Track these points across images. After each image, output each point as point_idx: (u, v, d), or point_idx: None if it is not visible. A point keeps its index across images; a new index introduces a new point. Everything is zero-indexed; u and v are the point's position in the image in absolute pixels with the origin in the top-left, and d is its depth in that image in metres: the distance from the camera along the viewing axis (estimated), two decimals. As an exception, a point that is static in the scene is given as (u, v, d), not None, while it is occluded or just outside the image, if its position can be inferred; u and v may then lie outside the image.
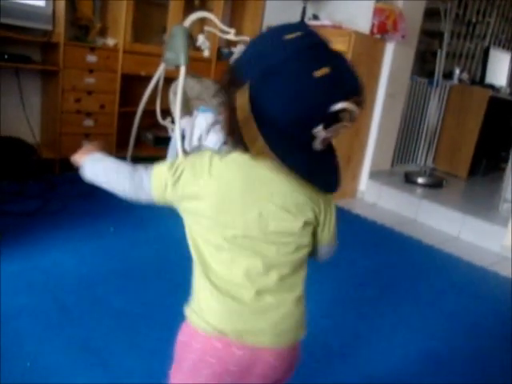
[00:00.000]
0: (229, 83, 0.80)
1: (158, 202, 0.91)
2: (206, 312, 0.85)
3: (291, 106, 0.74)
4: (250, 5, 4.08)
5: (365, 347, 1.79)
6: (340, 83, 0.75)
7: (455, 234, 3.20)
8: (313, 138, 0.76)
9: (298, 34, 0.76)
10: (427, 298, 2.27)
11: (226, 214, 0.82)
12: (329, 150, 0.84)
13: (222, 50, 3.78)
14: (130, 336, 1.65)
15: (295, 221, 0.83)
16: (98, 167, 1.01)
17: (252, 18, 4.03)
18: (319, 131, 0.75)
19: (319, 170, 0.82)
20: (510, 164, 3.55)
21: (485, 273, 2.67)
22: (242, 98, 0.75)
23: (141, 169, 0.93)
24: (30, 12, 2.95)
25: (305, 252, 0.88)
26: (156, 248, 2.33)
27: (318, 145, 0.78)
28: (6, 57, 2.93)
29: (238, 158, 0.82)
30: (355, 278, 2.35)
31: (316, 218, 0.87)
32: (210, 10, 3.72)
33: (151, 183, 0.90)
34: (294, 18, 3.85)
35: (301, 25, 0.84)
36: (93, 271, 2.03)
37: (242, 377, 0.87)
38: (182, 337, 0.91)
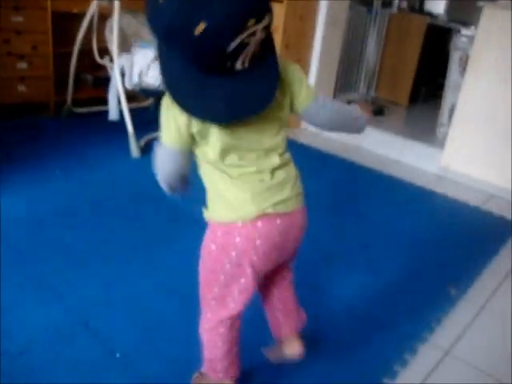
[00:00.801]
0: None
1: (189, 146, 1.00)
2: (242, 204, 1.01)
3: (190, 61, 0.86)
4: None
5: (310, 264, 1.90)
6: (225, 23, 0.80)
7: (396, 158, 3.35)
8: (229, 67, 0.86)
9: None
10: (371, 216, 2.41)
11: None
12: (261, 59, 0.90)
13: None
14: (82, 270, 1.69)
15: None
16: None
17: None
18: (231, 64, 0.85)
19: (244, 94, 0.91)
20: (445, 90, 3.69)
21: (423, 192, 2.83)
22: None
23: (158, 154, 1.03)
24: None
25: (284, 127, 1.08)
26: (102, 188, 2.34)
27: (239, 66, 0.86)
28: None
29: None
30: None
31: (286, 95, 1.03)
32: None
33: (170, 148, 1.00)
34: None
35: None
36: (42, 212, 2.04)
37: (282, 246, 1.07)
38: (218, 241, 1.04)
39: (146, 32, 3.15)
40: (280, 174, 1.04)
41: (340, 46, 3.94)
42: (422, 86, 4.61)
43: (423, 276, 1.94)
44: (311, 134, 3.70)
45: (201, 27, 0.78)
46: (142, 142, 2.78)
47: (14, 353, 1.29)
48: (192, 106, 0.90)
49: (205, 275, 1.10)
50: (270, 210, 1.01)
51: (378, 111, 4.00)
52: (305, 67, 3.73)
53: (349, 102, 3.89)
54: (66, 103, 3.28)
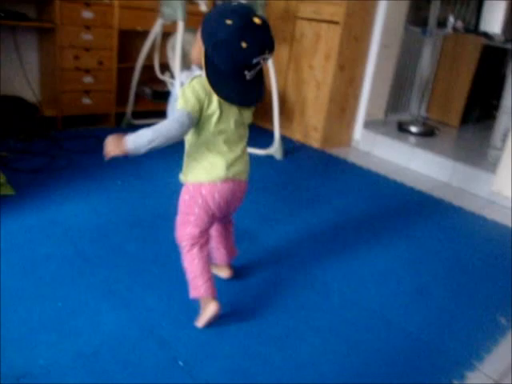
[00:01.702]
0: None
1: (197, 119, 1.42)
2: (215, 170, 1.48)
3: (229, 64, 1.35)
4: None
5: (360, 283, 1.95)
6: (258, 47, 1.34)
7: (446, 180, 3.34)
8: (244, 75, 1.38)
9: (232, 21, 1.30)
10: (419, 239, 2.42)
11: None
12: (258, 76, 1.44)
13: (216, 2, 3.77)
14: (147, 278, 1.79)
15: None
16: (143, 140, 1.37)
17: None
18: (246, 73, 1.37)
19: (249, 93, 1.46)
20: (500, 112, 3.65)
21: (473, 217, 2.82)
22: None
23: (170, 117, 1.42)
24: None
25: (246, 125, 1.58)
26: (161, 199, 2.45)
27: (248, 77, 1.39)
28: (1, 14, 2.94)
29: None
30: (352, 222, 2.50)
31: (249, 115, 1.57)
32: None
33: (188, 109, 1.39)
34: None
35: (236, 11, 1.33)
36: (106, 221, 2.16)
37: (232, 200, 1.56)
38: (189, 194, 1.54)
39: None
40: (243, 155, 1.55)
41: (393, 66, 3.97)
42: (474, 107, 4.57)
43: (472, 302, 1.94)
44: (361, 154, 3.74)
45: (244, 44, 1.31)
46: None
47: (86, 353, 1.39)
48: (220, 91, 1.38)
49: (181, 217, 1.60)
50: (230, 176, 1.50)
51: (429, 132, 4.00)
52: (357, 87, 3.78)
53: (400, 123, 3.93)
54: (125, 115, 3.45)
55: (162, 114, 3.37)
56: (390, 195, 2.98)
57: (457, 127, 4.45)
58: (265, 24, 1.35)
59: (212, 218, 1.57)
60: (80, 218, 2.16)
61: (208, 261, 1.62)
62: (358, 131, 3.92)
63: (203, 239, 1.59)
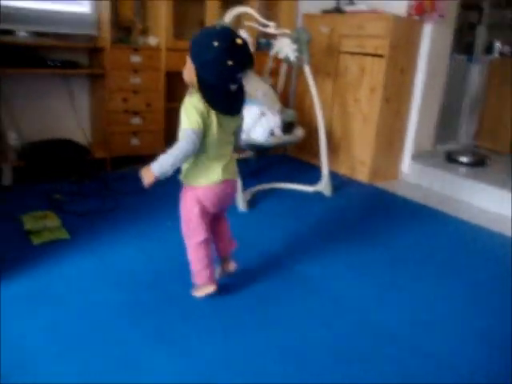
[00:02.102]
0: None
1: (202, 131, 1.64)
2: (213, 173, 1.74)
3: (217, 79, 1.60)
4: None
5: (421, 327, 1.85)
6: (241, 64, 1.58)
7: (503, 213, 3.20)
8: (230, 88, 1.63)
9: (218, 42, 1.53)
10: (474, 276, 2.30)
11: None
12: (240, 88, 1.70)
13: (259, 41, 3.83)
14: (203, 326, 1.75)
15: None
16: (167, 165, 1.63)
17: (287, 5, 4.05)
18: (231, 86, 1.63)
19: (233, 103, 1.71)
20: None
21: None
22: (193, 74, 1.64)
23: (181, 139, 1.65)
24: (78, 20, 3.07)
25: (232, 134, 1.80)
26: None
27: (233, 90, 1.65)
28: (57, 64, 3.06)
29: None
30: (410, 260, 2.40)
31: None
32: (246, 1, 3.77)
33: (193, 126, 1.61)
34: (330, 4, 3.86)
35: (221, 34, 1.57)
36: (158, 265, 2.15)
37: (225, 199, 1.83)
38: (189, 198, 1.79)
39: (251, 89, 3.31)
40: (231, 158, 1.81)
41: (440, 96, 3.90)
42: (526, 134, 4.40)
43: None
44: (410, 187, 3.65)
45: (230, 62, 1.54)
46: (248, 194, 2.89)
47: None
48: (214, 104, 1.63)
49: (184, 217, 1.83)
50: (225, 178, 1.76)
51: (480, 162, 3.87)
52: (404, 119, 3.72)
53: (449, 153, 3.83)
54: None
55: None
56: (445, 230, 2.87)
57: (509, 155, 4.30)
58: (245, 44, 1.59)
59: (209, 215, 1.83)
60: (133, 262, 2.16)
61: (210, 256, 1.88)
62: (406, 163, 3.84)
63: (207, 234, 1.84)
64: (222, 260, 2.03)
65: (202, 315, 1.82)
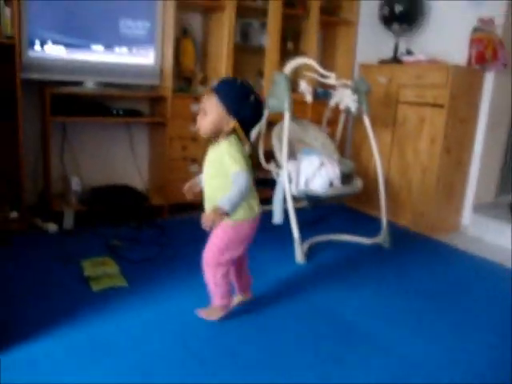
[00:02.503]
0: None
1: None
2: (253, 208, 1.93)
3: (252, 124, 1.90)
4: (342, 43, 4.15)
5: None
6: (262, 113, 1.93)
7: None
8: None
9: (253, 97, 1.80)
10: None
11: None
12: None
13: (317, 91, 3.85)
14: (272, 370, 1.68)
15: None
16: (236, 203, 1.76)
17: (344, 55, 4.09)
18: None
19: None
20: None
21: None
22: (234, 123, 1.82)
23: (237, 181, 1.78)
24: (142, 71, 3.20)
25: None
26: (271, 292, 2.37)
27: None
28: (120, 112, 3.16)
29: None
30: (474, 325, 2.25)
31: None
32: (303, 51, 3.83)
33: (244, 168, 1.78)
34: (387, 53, 3.86)
35: (251, 90, 1.82)
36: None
37: (254, 232, 1.99)
38: (234, 231, 1.92)
39: (310, 138, 3.30)
40: None
41: (503, 146, 3.77)
42: None
43: None
44: (471, 240, 3.49)
45: (259, 112, 1.88)
46: (305, 246, 2.83)
47: None
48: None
49: (220, 246, 1.93)
50: (259, 212, 1.97)
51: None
52: (465, 170, 3.61)
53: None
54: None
55: (264, 201, 3.37)
56: (508, 287, 2.69)
57: None
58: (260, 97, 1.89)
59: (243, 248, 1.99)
60: (192, 314, 2.12)
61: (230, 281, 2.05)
62: (467, 216, 3.69)
63: (233, 265, 2.02)
64: (241, 291, 2.19)
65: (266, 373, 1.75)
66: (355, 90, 3.11)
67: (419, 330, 2.14)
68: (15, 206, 2.96)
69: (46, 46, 2.94)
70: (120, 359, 1.76)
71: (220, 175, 1.86)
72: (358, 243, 3.16)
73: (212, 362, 1.79)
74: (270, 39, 3.62)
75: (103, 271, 2.44)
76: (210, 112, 1.80)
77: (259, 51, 3.72)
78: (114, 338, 1.89)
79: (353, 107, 3.07)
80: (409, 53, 3.78)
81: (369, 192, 3.52)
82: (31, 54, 2.90)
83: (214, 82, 1.93)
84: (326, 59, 4.21)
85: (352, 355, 1.90)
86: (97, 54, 3.09)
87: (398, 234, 3.41)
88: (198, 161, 3.44)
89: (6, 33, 2.69)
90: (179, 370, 1.73)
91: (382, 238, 3.12)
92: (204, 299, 2.17)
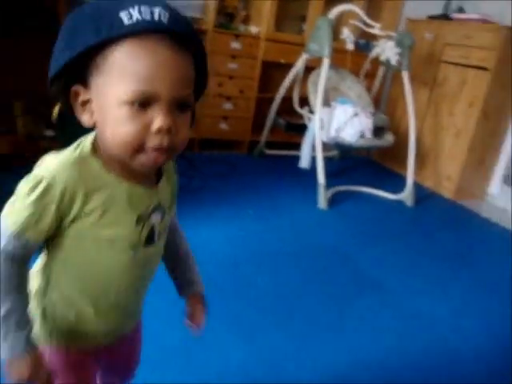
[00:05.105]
0: None
1: None
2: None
3: None
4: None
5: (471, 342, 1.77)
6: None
7: None
8: None
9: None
10: None
11: None
12: None
13: (358, 41, 3.77)
14: (276, 315, 1.77)
15: None
16: None
17: (391, 8, 3.96)
18: None
19: None
20: None
21: None
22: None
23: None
24: (185, 2, 3.16)
25: None
26: (289, 235, 2.44)
27: None
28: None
29: None
30: (487, 286, 2.29)
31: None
32: (350, 0, 3.72)
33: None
34: (436, 10, 3.73)
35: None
36: (237, 251, 2.18)
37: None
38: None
39: (346, 88, 3.27)
40: None
41: (544, 118, 3.67)
42: None
43: None
44: (497, 210, 3.47)
45: None
46: (329, 193, 2.87)
47: (212, 381, 1.40)
48: None
49: None
50: None
51: None
52: (500, 139, 3.54)
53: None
54: (259, 143, 3.53)
55: (292, 147, 3.41)
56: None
57: None
58: None
59: None
60: (214, 245, 2.20)
61: None
62: (496, 185, 3.65)
63: None
64: None
65: (274, 304, 1.84)
66: (398, 43, 3.04)
67: (431, 288, 2.19)
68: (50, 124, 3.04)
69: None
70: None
71: None
72: (382, 197, 3.18)
73: (226, 289, 1.88)
74: (317, -18, 3.52)
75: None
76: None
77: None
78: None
79: (393, 60, 3.01)
80: (460, 11, 3.64)
81: (398, 149, 3.49)
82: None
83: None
84: (372, 10, 4.07)
85: (361, 301, 1.97)
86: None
87: (422, 194, 3.41)
88: (232, 99, 3.45)
89: None
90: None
91: (406, 195, 3.13)
92: (230, 230, 2.25)
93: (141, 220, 0.77)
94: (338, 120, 2.81)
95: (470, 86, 3.37)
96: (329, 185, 2.88)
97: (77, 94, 0.71)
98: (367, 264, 2.27)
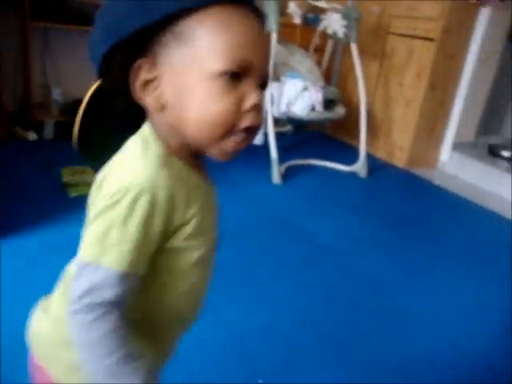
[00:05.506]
0: None
1: None
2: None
3: None
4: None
5: (453, 317, 1.83)
6: None
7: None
8: None
9: None
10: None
11: None
12: None
13: (307, 16, 3.76)
14: (232, 289, 1.77)
15: None
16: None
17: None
18: None
19: None
20: None
21: None
22: None
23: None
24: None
25: None
26: (243, 210, 2.44)
27: None
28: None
29: None
30: (439, 249, 2.36)
31: None
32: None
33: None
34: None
35: None
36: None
37: None
38: None
39: (296, 62, 3.27)
40: None
41: (488, 86, 3.77)
42: None
43: None
44: (447, 177, 3.57)
45: None
46: (283, 168, 2.88)
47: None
48: None
49: None
50: None
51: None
52: (448, 107, 3.63)
53: (491, 146, 3.72)
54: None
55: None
56: (481, 225, 2.80)
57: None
58: None
59: None
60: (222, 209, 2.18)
61: None
62: (446, 153, 3.75)
63: None
64: None
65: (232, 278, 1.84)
66: (345, 16, 3.05)
67: (385, 255, 2.24)
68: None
69: None
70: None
71: None
72: (335, 169, 3.22)
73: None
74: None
75: (81, 179, 2.48)
76: None
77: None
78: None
79: (340, 33, 3.03)
80: (405, -18, 3.67)
81: (350, 122, 3.53)
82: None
83: None
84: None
85: (315, 268, 2.00)
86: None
87: (375, 165, 3.47)
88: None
89: None
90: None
91: (359, 166, 3.18)
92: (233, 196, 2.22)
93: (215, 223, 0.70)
94: (288, 94, 2.81)
95: (418, 56, 3.42)
96: (282, 159, 2.89)
97: (138, 72, 0.59)
98: (322, 234, 2.31)
